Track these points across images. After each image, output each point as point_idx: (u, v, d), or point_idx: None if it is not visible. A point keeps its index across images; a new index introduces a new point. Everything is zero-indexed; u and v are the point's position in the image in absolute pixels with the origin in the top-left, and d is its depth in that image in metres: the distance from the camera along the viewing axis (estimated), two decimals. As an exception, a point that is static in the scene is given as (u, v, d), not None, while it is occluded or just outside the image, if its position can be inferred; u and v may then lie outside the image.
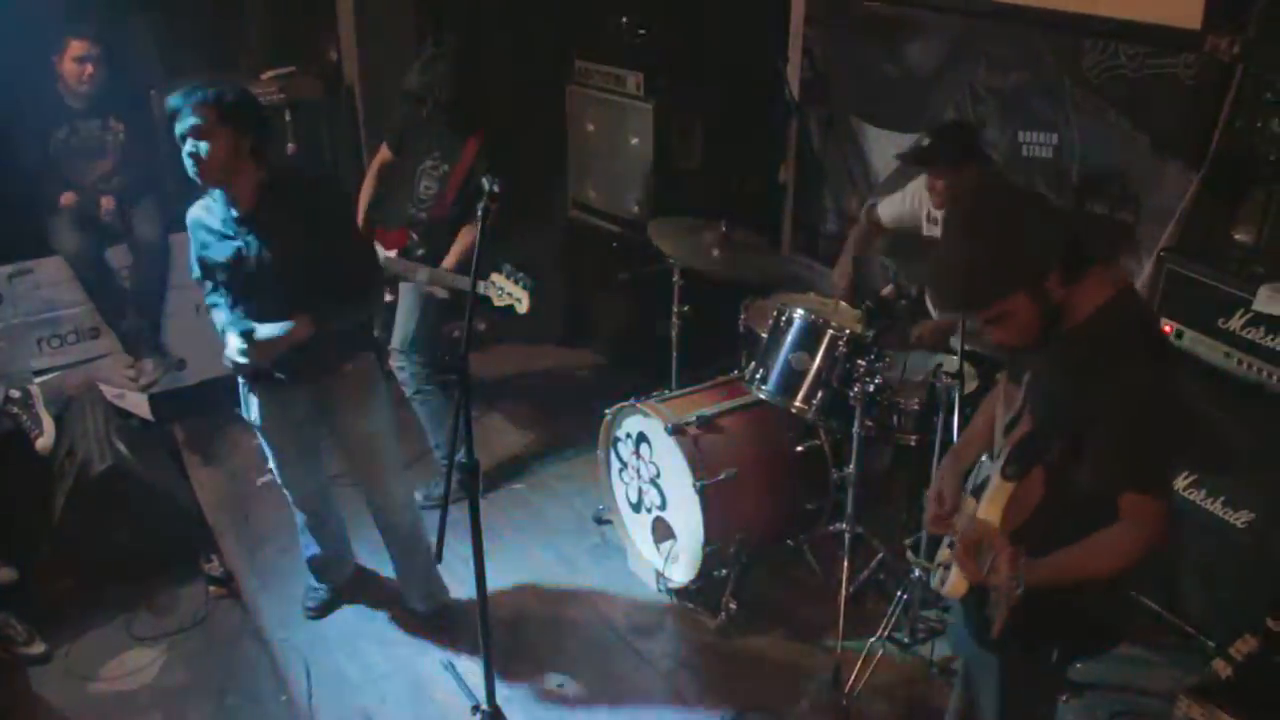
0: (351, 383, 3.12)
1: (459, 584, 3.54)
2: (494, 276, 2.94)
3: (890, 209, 3.81)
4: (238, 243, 2.89)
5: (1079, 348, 1.96)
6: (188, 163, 2.75)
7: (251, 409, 3.18)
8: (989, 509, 1.97)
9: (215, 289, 3.03)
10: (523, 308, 2.96)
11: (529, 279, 2.93)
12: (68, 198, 4.33)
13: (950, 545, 2.21)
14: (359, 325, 3.13)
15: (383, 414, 3.24)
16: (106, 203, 4.41)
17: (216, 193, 2.90)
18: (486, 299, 2.91)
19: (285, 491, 3.40)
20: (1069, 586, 1.95)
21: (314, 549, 3.52)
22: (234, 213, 2.87)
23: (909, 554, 2.93)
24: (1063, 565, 1.94)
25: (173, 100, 2.75)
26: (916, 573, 3.23)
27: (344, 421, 3.20)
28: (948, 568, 2.14)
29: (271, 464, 3.33)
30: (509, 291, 2.93)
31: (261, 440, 3.28)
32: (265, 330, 2.90)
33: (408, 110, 4.01)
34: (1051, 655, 2.14)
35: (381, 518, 3.42)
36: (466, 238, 3.74)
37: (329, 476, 3.52)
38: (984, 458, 2.26)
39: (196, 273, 3.04)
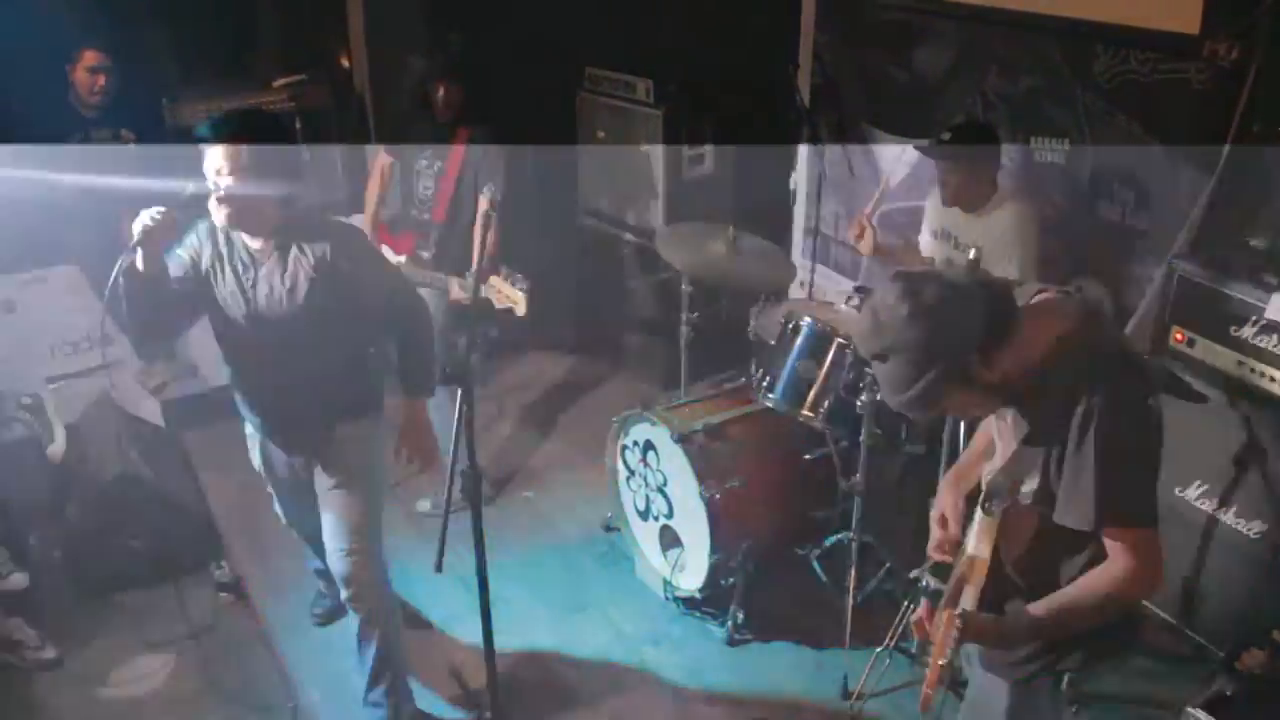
0: (335, 450, 2.90)
1: (465, 590, 3.53)
2: (492, 279, 2.95)
3: (925, 239, 3.71)
4: (250, 273, 2.72)
5: (1041, 382, 1.90)
6: (212, 204, 2.57)
7: (254, 455, 3.13)
8: (980, 544, 1.95)
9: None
10: (520, 310, 2.96)
11: (525, 281, 2.93)
12: None
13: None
14: (362, 385, 2.93)
15: (366, 489, 2.93)
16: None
17: None
18: (488, 302, 2.92)
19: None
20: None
21: (319, 563, 3.49)
22: (253, 244, 2.71)
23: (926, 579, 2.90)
24: (1057, 610, 1.92)
25: (201, 130, 2.57)
26: (924, 582, 3.20)
27: (327, 479, 2.95)
28: None
29: (276, 505, 3.26)
30: (507, 294, 2.94)
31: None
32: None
33: (405, 110, 4.05)
34: (1062, 681, 2.11)
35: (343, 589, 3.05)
36: (479, 242, 3.75)
37: None
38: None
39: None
